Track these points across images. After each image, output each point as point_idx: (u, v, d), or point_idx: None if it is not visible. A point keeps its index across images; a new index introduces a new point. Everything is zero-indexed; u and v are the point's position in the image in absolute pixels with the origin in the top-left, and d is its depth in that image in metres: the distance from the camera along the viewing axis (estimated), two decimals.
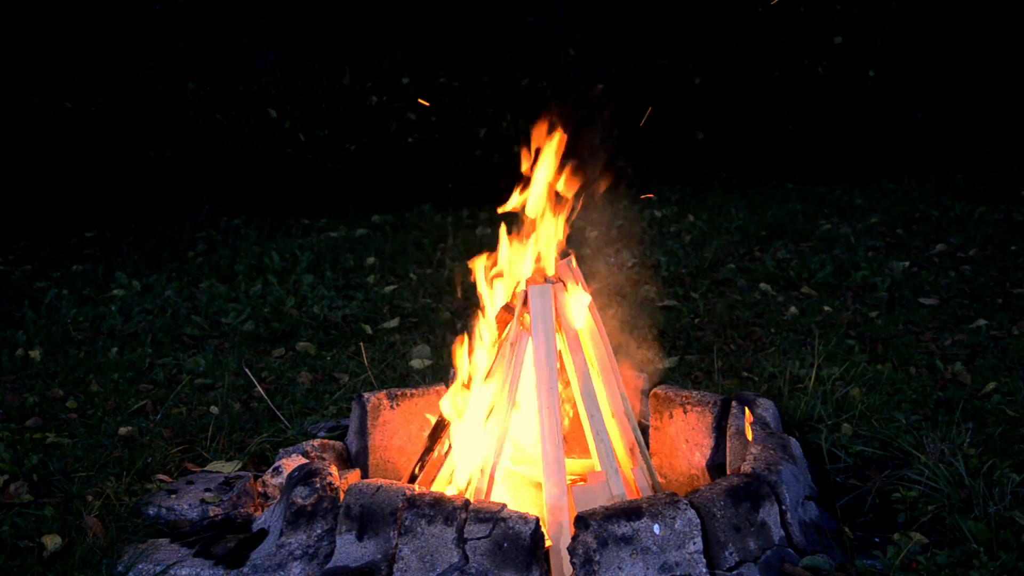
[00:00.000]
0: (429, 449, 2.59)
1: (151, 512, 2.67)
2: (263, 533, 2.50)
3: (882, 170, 8.67)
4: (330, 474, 2.44)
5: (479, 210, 7.89)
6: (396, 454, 2.95)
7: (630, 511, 2.15)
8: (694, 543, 2.15)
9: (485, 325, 2.62)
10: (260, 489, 2.74)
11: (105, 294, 5.57)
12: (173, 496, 2.74)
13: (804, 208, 7.34)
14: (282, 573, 2.30)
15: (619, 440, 2.51)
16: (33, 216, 7.90)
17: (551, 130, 2.57)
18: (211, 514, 2.66)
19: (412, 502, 2.23)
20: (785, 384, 3.43)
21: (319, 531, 2.35)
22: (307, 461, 2.60)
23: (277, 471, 2.71)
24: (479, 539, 2.15)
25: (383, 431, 2.93)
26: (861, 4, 8.86)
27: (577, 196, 2.61)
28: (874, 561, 2.27)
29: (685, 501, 2.20)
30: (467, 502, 2.21)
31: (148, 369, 4.12)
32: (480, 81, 8.67)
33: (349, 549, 2.28)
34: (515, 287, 2.53)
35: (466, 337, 2.63)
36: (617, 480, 2.38)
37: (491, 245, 2.66)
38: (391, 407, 2.94)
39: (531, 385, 2.43)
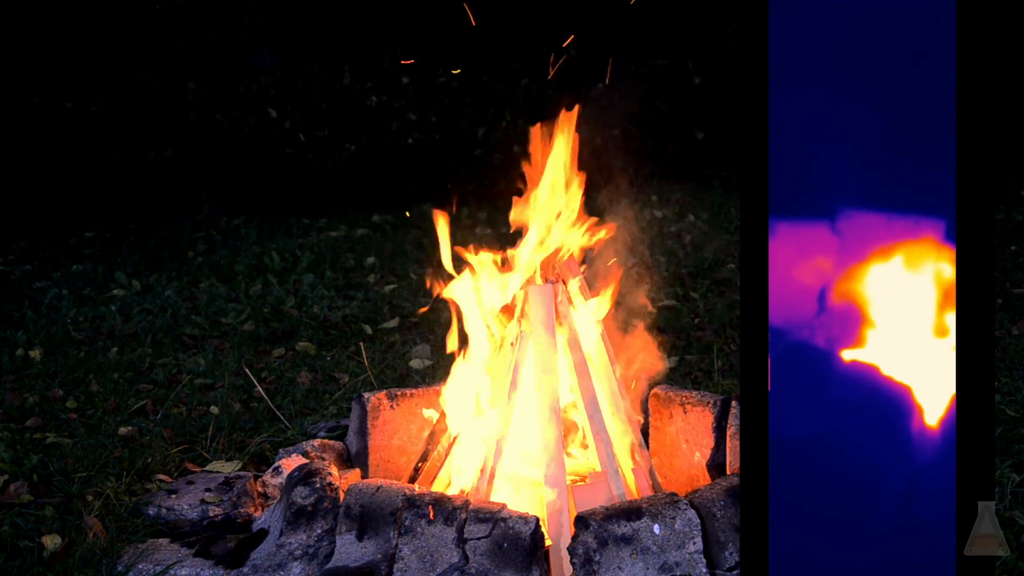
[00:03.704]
0: (429, 449, 2.59)
1: (151, 512, 2.67)
2: (263, 533, 2.50)
3: None
4: (330, 474, 2.44)
5: (479, 210, 7.88)
6: (396, 454, 2.94)
7: (630, 511, 2.15)
8: (694, 543, 2.15)
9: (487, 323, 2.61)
10: (260, 489, 2.74)
11: (105, 294, 5.57)
12: (173, 496, 2.74)
13: None
14: (282, 573, 2.30)
15: (619, 440, 2.51)
16: (33, 216, 7.90)
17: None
18: (211, 514, 2.66)
19: (412, 502, 2.23)
20: None
21: (319, 531, 2.35)
22: (307, 461, 2.60)
23: (277, 471, 2.71)
24: (479, 539, 2.15)
25: (383, 431, 2.93)
26: None
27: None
28: None
29: (685, 501, 2.20)
30: (467, 502, 2.21)
31: (148, 369, 4.12)
32: (480, 81, 8.67)
33: (349, 549, 2.28)
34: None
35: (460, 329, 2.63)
36: (617, 480, 2.38)
37: (491, 244, 2.66)
38: (391, 407, 2.94)
39: (531, 385, 2.43)
